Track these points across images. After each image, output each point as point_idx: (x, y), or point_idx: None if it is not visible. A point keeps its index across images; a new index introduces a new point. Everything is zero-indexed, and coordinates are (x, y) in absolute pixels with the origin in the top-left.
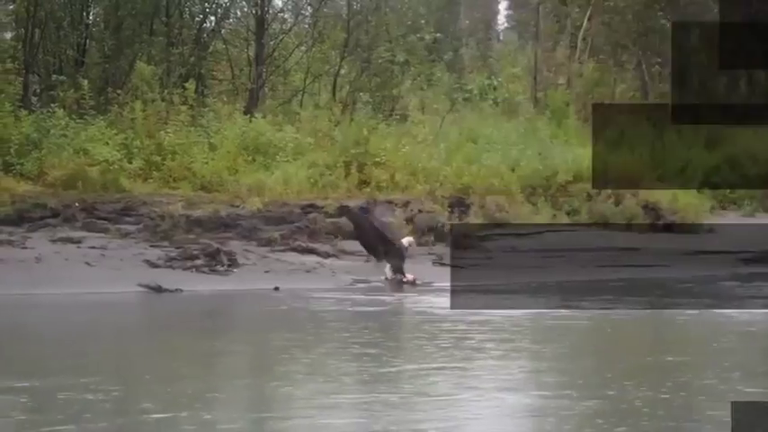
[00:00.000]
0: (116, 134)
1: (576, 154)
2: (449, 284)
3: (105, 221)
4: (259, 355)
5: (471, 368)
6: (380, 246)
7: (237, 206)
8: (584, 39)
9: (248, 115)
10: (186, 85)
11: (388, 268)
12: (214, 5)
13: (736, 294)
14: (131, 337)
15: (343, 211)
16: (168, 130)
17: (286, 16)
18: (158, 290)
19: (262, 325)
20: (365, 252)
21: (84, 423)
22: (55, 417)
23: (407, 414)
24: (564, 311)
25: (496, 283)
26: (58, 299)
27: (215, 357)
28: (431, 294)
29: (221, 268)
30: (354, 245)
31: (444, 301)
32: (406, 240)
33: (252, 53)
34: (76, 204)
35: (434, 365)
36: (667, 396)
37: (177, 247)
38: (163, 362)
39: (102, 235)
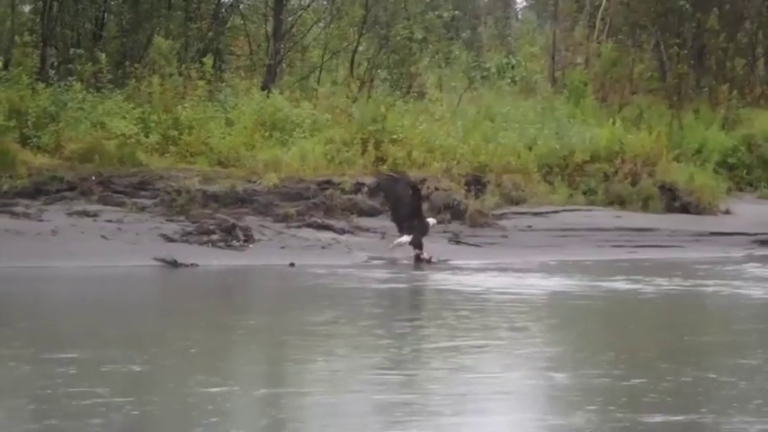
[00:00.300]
0: (133, 108)
1: (594, 134)
2: (465, 262)
3: (122, 195)
4: (295, 333)
5: (512, 345)
6: (412, 219)
7: (254, 182)
8: (602, 18)
9: (266, 91)
10: (204, 59)
11: (404, 237)
12: None
13: (755, 275)
14: (162, 310)
15: (385, 179)
16: (185, 105)
17: None
18: (174, 264)
19: (291, 302)
20: (380, 229)
21: (143, 395)
22: (111, 388)
23: (462, 395)
24: (587, 290)
25: (512, 261)
26: (74, 272)
27: (257, 334)
28: (450, 272)
29: (237, 243)
30: (370, 221)
31: (468, 278)
32: (431, 220)
33: (270, 29)
34: (93, 178)
35: (477, 343)
36: (724, 378)
37: (193, 222)
38: (204, 336)
39: (119, 209)
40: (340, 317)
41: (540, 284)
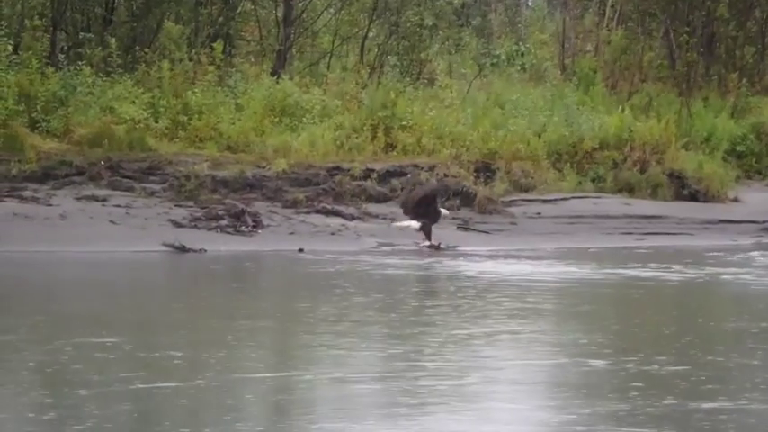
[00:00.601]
0: (143, 93)
1: (603, 121)
2: (473, 249)
3: (130, 180)
4: (326, 317)
5: (542, 331)
6: (426, 208)
7: (263, 167)
8: (612, 6)
9: (275, 77)
10: (214, 45)
11: (412, 222)
12: None
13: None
14: (181, 296)
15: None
16: (195, 90)
17: None
18: (182, 249)
19: (304, 288)
20: (389, 215)
21: (195, 380)
22: (154, 373)
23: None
24: (607, 277)
25: (522, 248)
26: (82, 257)
27: (298, 317)
28: (462, 258)
29: (246, 229)
30: (379, 208)
31: (480, 265)
32: (444, 210)
33: (280, 14)
34: (102, 163)
35: (506, 328)
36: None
37: (202, 208)
38: (232, 323)
39: (128, 194)
40: (355, 304)
41: (556, 272)
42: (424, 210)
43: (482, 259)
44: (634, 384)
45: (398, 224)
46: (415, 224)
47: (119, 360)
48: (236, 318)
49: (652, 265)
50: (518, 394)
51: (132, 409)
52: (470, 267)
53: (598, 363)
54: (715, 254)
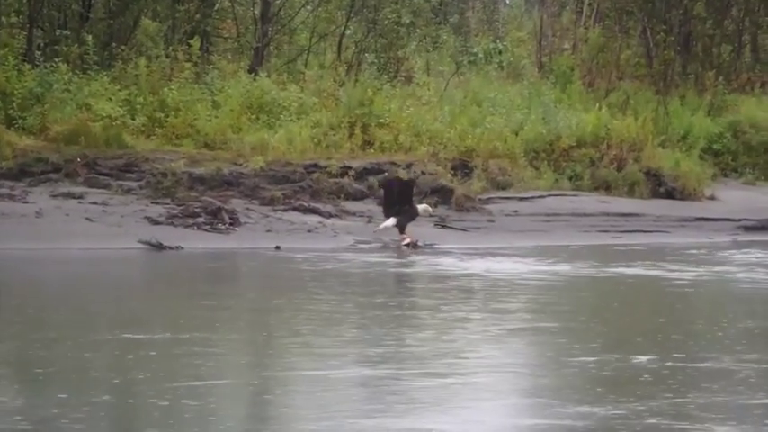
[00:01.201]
0: (119, 90)
1: (580, 119)
2: (451, 246)
3: (107, 177)
4: (302, 314)
5: (554, 329)
6: (402, 205)
7: (240, 164)
8: (589, 4)
9: (253, 74)
10: (191, 42)
11: (389, 221)
12: None
13: (744, 261)
14: (157, 292)
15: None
16: (172, 87)
17: None
18: (159, 247)
19: (288, 285)
20: (366, 213)
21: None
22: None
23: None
24: (581, 274)
25: (500, 246)
26: (58, 254)
27: (274, 314)
28: (441, 256)
29: (222, 227)
30: (356, 206)
31: (462, 263)
32: (422, 207)
33: (257, 11)
34: (78, 160)
35: (511, 327)
36: None
37: (179, 205)
38: (209, 318)
39: (104, 191)
40: (332, 301)
41: (534, 269)
42: (400, 207)
43: (460, 257)
44: (685, 380)
45: (379, 229)
46: (392, 221)
47: (97, 357)
48: (213, 312)
49: (628, 262)
50: (499, 395)
51: (110, 403)
52: (448, 265)
53: (577, 360)
54: (692, 251)
